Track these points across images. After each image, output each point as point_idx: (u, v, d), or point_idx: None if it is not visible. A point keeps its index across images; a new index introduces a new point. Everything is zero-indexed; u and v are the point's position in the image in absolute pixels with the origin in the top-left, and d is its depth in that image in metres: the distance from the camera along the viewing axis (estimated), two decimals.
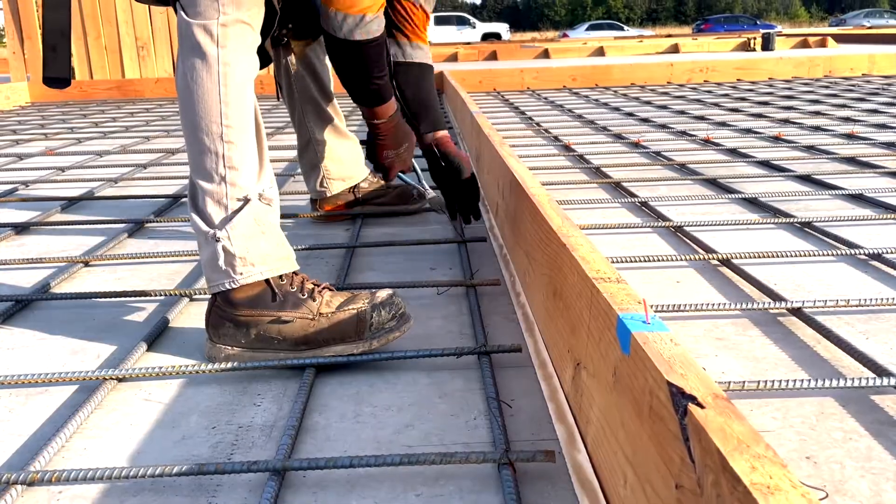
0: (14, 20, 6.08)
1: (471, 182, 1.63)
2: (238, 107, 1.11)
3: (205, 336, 1.13)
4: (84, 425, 0.94)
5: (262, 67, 1.23)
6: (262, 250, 1.11)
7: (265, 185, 1.14)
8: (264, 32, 1.20)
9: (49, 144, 3.45)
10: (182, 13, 1.10)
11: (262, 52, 1.23)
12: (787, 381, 0.94)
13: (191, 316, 1.31)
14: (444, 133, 1.64)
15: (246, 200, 1.11)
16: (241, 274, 1.10)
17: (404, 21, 1.58)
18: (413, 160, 1.72)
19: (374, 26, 1.38)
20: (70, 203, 2.18)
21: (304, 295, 1.12)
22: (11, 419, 0.97)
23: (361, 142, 1.85)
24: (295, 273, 1.15)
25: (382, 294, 1.14)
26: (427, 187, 1.93)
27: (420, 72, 1.62)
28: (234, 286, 1.10)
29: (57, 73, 1.37)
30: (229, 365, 1.06)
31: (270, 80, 5.37)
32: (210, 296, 1.13)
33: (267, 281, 1.11)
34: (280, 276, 1.12)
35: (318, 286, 1.16)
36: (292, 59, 1.70)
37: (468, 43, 12.43)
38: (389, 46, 1.58)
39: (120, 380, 1.05)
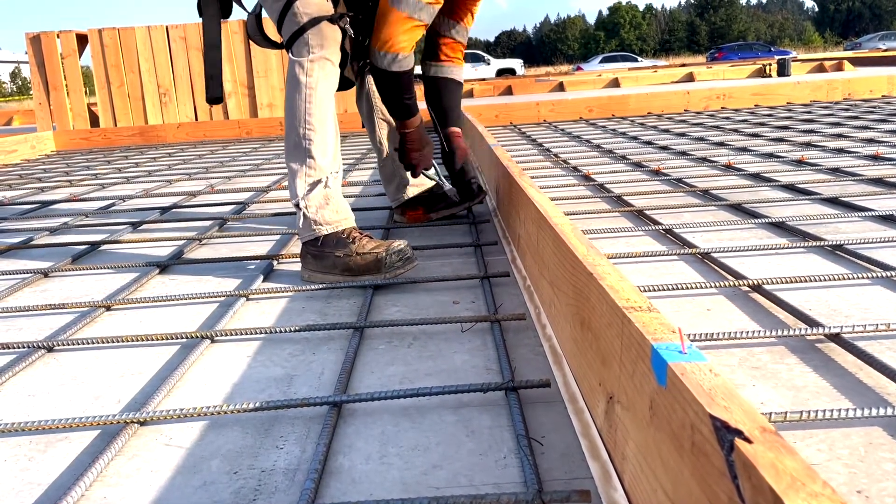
0: (40, 72, 6.25)
1: (460, 170, 2.22)
2: (318, 116, 1.66)
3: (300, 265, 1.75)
4: (104, 473, 0.92)
5: (345, 89, 1.97)
6: (326, 216, 1.68)
7: (334, 170, 1.70)
8: (341, 68, 1.76)
9: (73, 191, 3.50)
10: (290, 54, 1.70)
11: (345, 80, 1.89)
12: (832, 410, 0.89)
13: (212, 357, 1.29)
14: (456, 129, 2.23)
15: (318, 181, 1.66)
16: (315, 231, 1.67)
17: (437, 49, 2.20)
18: (433, 160, 2.18)
19: (406, 62, 1.90)
20: (93, 247, 2.20)
21: (349, 240, 1.66)
22: (31, 467, 0.95)
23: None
24: (349, 228, 1.70)
25: (395, 244, 1.66)
26: (445, 181, 2.23)
27: (443, 84, 2.22)
28: (312, 237, 1.68)
29: (214, 93, 1.83)
30: (252, 405, 1.04)
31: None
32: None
33: (329, 233, 1.67)
34: (340, 230, 1.67)
35: (360, 235, 1.69)
36: (373, 88, 2.13)
37: (483, 79, 12.55)
38: (427, 68, 2.24)
39: (141, 423, 1.03)
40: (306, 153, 1.67)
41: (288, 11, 1.67)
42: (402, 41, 1.85)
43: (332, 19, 1.69)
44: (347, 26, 1.75)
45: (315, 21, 1.66)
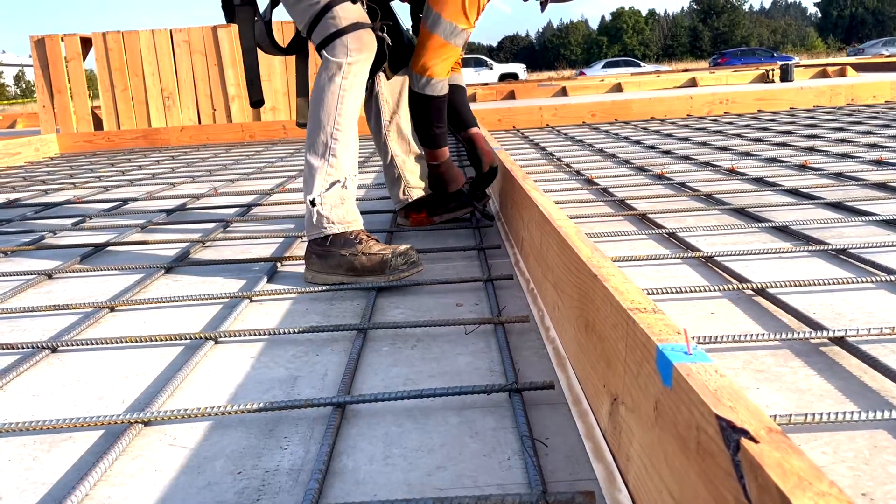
0: (44, 75, 6.27)
1: (490, 171, 2.20)
2: (347, 118, 1.67)
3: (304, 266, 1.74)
4: (108, 472, 0.92)
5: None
6: (339, 216, 1.69)
7: (353, 173, 1.71)
8: (374, 68, 1.79)
9: (77, 193, 3.51)
10: (325, 53, 1.68)
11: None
12: (836, 413, 0.89)
13: (216, 358, 1.29)
14: (475, 131, 2.23)
15: (337, 181, 1.67)
16: (325, 229, 1.68)
17: None
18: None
19: (438, 87, 1.97)
20: (96, 249, 2.20)
21: (356, 241, 1.66)
22: (35, 467, 0.95)
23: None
24: (357, 230, 1.70)
25: (401, 247, 1.65)
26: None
27: (451, 90, 2.15)
28: (319, 235, 1.68)
29: (257, 96, 1.88)
30: (255, 406, 1.04)
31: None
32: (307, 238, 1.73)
33: (337, 233, 1.67)
34: (349, 231, 1.68)
35: (368, 237, 1.69)
36: (382, 91, 2.13)
37: (486, 84, 12.56)
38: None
39: (145, 423, 1.03)
40: (330, 152, 1.67)
41: (325, 14, 1.67)
42: (436, 65, 1.93)
43: (372, 28, 1.72)
44: (385, 34, 1.78)
45: (355, 26, 1.67)
